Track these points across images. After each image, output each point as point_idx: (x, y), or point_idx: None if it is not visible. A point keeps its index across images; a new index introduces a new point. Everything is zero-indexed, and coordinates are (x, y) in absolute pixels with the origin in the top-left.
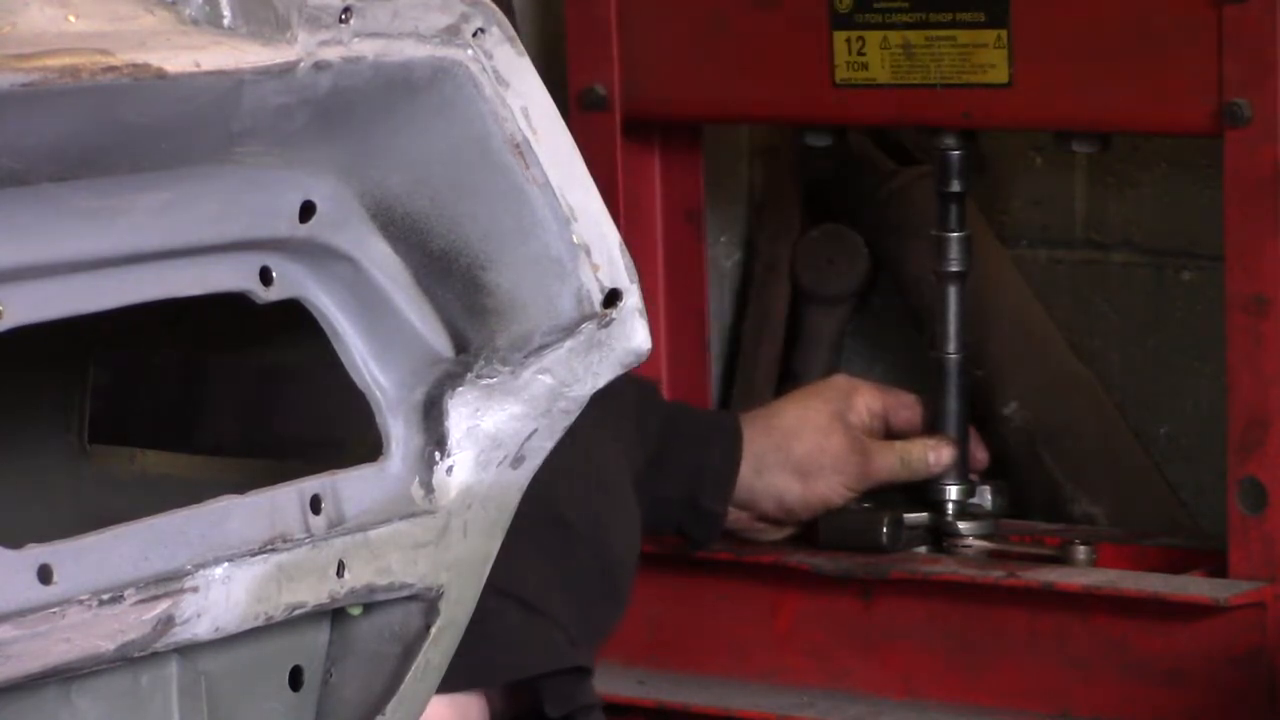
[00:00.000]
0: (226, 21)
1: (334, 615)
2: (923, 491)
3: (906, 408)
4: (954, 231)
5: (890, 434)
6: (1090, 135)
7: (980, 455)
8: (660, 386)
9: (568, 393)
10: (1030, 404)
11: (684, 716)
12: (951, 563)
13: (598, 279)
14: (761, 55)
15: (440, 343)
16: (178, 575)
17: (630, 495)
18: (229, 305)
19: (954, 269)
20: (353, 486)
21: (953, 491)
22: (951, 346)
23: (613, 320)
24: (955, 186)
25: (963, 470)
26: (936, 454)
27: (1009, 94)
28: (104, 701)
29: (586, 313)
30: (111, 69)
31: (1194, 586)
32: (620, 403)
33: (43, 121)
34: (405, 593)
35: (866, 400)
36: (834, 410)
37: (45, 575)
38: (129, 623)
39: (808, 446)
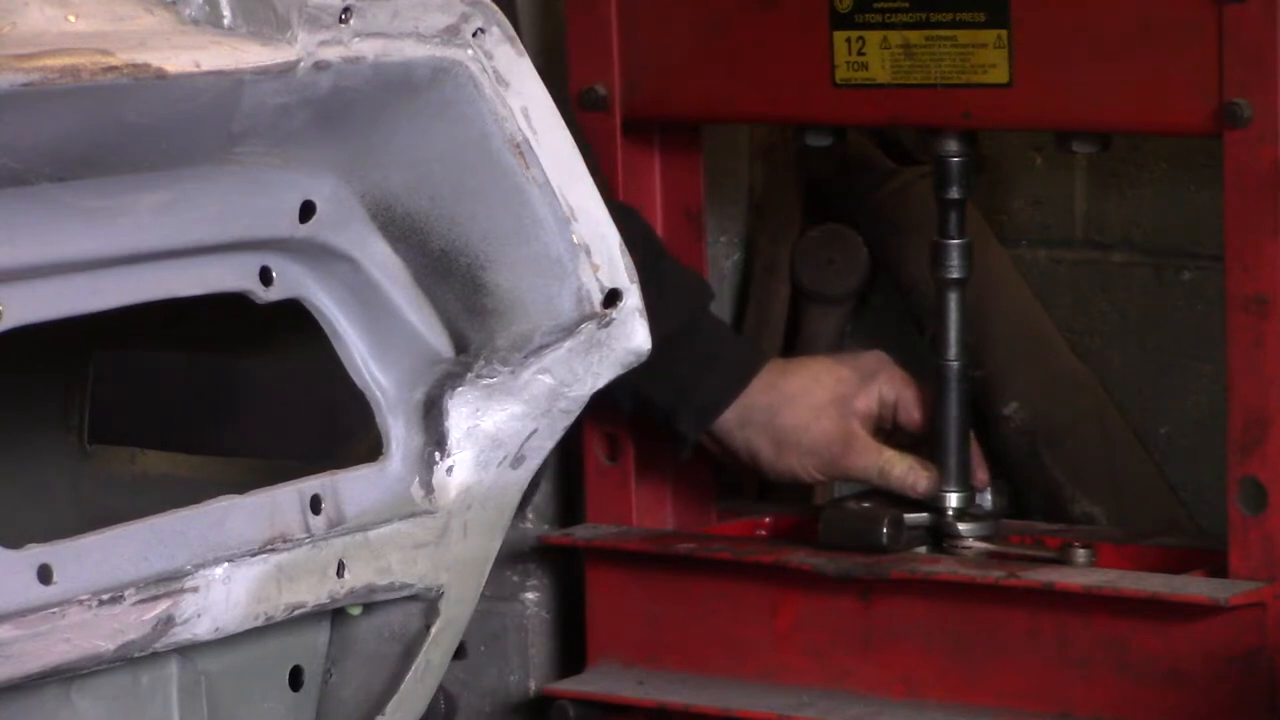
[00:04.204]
0: (226, 21)
1: (334, 615)
2: None
3: (916, 408)
4: (954, 238)
5: (895, 426)
6: (1090, 135)
7: (981, 475)
8: None
9: (568, 393)
10: (1030, 404)
11: (684, 716)
12: (951, 563)
13: (598, 279)
14: (761, 55)
15: (440, 343)
16: (178, 575)
17: None
18: (229, 305)
19: (954, 276)
20: (353, 486)
21: (953, 499)
22: (952, 353)
23: (613, 320)
24: (955, 193)
25: (964, 477)
26: (915, 478)
27: (1009, 94)
28: (104, 701)
29: (586, 313)
30: (111, 69)
31: (1194, 586)
32: (663, 277)
33: (43, 121)
34: (405, 593)
35: (884, 387)
36: (839, 394)
37: (45, 575)
38: (129, 623)
39: (794, 420)
